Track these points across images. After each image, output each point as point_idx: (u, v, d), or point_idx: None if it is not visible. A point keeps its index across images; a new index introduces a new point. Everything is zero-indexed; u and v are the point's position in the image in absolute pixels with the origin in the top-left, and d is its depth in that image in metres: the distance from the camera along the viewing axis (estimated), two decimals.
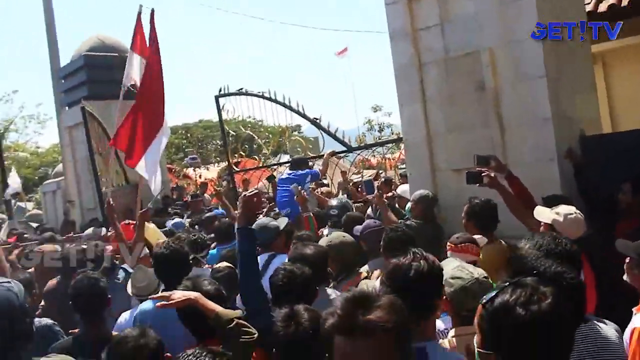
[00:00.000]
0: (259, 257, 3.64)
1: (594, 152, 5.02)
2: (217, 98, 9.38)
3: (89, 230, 7.71)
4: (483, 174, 4.40)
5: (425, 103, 5.67)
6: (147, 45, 6.57)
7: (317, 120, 8.19)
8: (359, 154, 8.64)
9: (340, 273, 4.18)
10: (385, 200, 5.56)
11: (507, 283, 1.69)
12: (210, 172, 19.36)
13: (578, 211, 3.66)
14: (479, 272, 2.81)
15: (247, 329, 2.50)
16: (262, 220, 4.85)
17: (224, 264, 4.33)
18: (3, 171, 17.42)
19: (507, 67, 5.07)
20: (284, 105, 8.51)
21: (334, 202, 5.99)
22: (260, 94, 8.79)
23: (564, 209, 3.64)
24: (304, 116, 8.38)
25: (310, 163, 9.28)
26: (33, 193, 25.48)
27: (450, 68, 5.44)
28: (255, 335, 2.50)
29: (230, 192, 9.66)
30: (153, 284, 3.99)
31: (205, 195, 12.14)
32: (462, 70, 5.36)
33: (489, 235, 4.25)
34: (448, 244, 3.86)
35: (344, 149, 8.17)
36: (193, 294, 2.59)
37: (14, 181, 13.04)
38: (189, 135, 29.65)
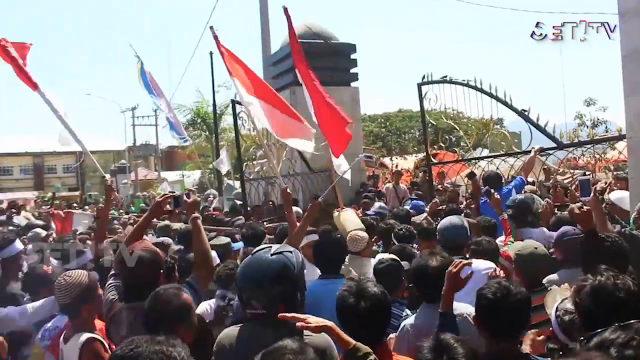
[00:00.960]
0: None
1: None
2: (419, 86, 9.06)
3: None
4: None
5: None
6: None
7: (526, 112, 7.51)
8: (569, 152, 7.77)
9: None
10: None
11: None
12: (407, 162, 19.16)
13: None
14: None
15: None
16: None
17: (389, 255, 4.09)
18: (217, 151, 19.02)
19: None
20: (489, 94, 7.96)
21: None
22: (465, 82, 8.31)
23: None
24: (511, 107, 7.78)
25: (514, 159, 8.61)
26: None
27: None
28: None
29: (426, 184, 9.37)
30: None
31: (401, 185, 11.97)
32: None
33: None
34: None
35: (554, 145, 7.39)
36: (330, 323, 2.36)
37: (222, 161, 14.08)
38: (387, 124, 29.76)
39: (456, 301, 2.99)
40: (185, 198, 4.13)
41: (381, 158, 20.18)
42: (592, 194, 4.24)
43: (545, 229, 5.22)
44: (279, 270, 2.60)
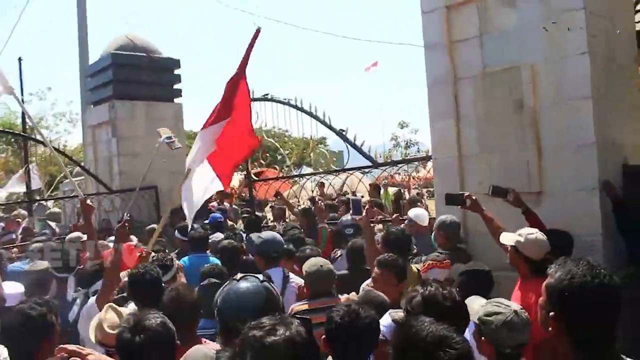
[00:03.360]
0: None
1: (638, 183, 4.59)
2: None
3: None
4: (465, 196, 4.44)
5: (459, 121, 5.30)
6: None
7: (344, 133, 7.87)
8: (384, 171, 8.28)
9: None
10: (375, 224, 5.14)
11: None
12: (234, 180, 19.12)
13: (539, 232, 3.70)
14: (514, 305, 2.72)
15: None
16: None
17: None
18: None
19: (549, 86, 4.67)
20: (309, 114, 8.22)
21: (347, 218, 5.70)
22: (286, 100, 8.51)
23: (526, 230, 3.73)
24: (329, 127, 8.11)
25: (333, 177, 8.97)
26: (58, 191, 25.58)
27: (488, 84, 5.06)
28: None
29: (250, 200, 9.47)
30: None
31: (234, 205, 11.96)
32: (500, 87, 4.96)
33: None
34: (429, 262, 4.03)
35: (370, 164, 7.83)
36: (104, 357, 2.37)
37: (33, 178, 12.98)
38: None
39: None
40: None
41: None
42: (364, 213, 4.70)
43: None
44: None
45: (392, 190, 13.34)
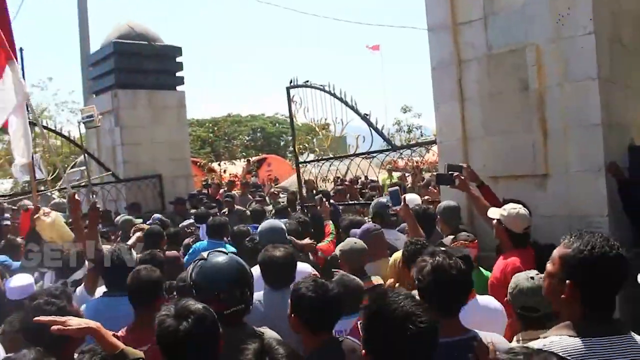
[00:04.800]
0: None
1: None
2: (288, 89, 9.13)
3: None
4: (454, 176, 4.64)
5: (463, 103, 5.27)
6: None
7: (367, 116, 7.96)
8: (401, 154, 8.51)
9: None
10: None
11: None
12: (236, 167, 19.16)
13: (522, 207, 3.88)
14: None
15: None
16: None
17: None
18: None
19: (554, 66, 4.63)
20: (340, 99, 8.24)
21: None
22: (322, 87, 8.51)
23: (510, 205, 3.93)
24: (356, 111, 8.15)
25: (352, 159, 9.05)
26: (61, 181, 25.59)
27: (492, 66, 5.02)
28: None
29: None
30: None
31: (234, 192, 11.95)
32: (504, 69, 4.93)
33: None
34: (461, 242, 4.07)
35: (388, 147, 7.98)
36: (94, 324, 2.29)
37: (37, 167, 12.97)
38: (216, 129, 29.46)
39: None
40: None
41: (209, 164, 19.97)
42: (402, 203, 4.71)
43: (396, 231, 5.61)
44: None
45: (396, 175, 13.38)
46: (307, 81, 8.80)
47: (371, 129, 7.83)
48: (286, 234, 4.81)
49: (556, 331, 2.01)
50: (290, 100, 9.08)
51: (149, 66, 11.50)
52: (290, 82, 9.03)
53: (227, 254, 2.83)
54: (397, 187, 5.73)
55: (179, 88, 12.05)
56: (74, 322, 2.25)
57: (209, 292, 2.61)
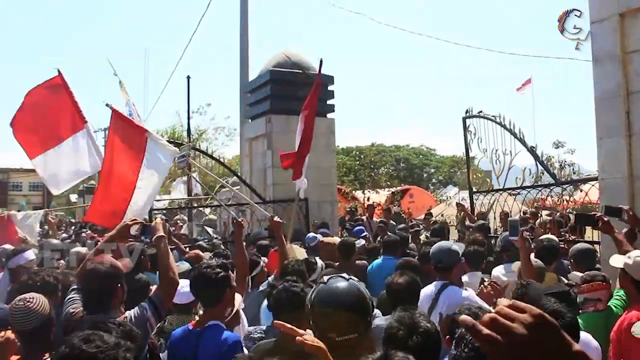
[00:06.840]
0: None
1: None
2: (464, 119, 9.41)
3: None
4: (597, 217, 4.38)
5: (631, 138, 4.90)
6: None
7: (533, 149, 7.77)
8: (564, 189, 8.62)
9: None
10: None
11: None
12: (379, 196, 19.24)
13: None
14: None
15: None
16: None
17: None
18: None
19: None
20: (509, 131, 8.18)
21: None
22: (493, 118, 8.53)
23: (635, 253, 3.65)
24: (523, 143, 8.04)
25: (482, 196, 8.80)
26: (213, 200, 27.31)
27: None
28: None
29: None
30: None
31: (374, 219, 12.03)
32: None
33: None
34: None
35: (552, 181, 8.02)
36: (322, 346, 2.30)
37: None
38: (361, 157, 29.90)
39: None
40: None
41: (353, 191, 20.24)
42: (519, 235, 4.51)
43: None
44: None
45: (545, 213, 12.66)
46: (481, 111, 8.84)
47: (537, 162, 7.70)
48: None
49: None
50: (465, 129, 9.14)
51: (302, 93, 11.93)
52: (466, 112, 9.19)
53: (347, 280, 2.65)
54: (516, 218, 5.66)
55: (329, 115, 12.41)
56: (309, 337, 2.31)
57: (322, 317, 2.52)
